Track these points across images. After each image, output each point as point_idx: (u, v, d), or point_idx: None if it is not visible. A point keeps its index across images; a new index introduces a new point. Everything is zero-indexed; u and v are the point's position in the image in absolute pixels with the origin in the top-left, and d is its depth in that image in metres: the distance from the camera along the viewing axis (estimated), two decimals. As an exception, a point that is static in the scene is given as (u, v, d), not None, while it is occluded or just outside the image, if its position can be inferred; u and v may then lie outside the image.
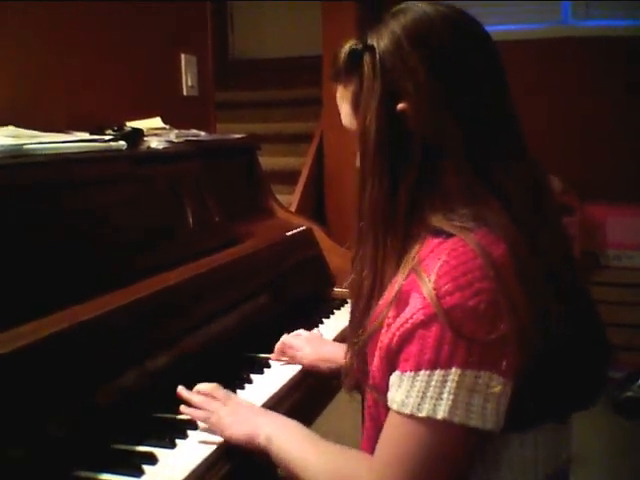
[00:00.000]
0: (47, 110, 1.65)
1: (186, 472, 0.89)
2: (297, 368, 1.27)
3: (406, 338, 0.77)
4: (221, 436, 0.98)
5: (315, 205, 3.45)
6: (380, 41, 0.84)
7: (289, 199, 3.23)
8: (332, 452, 0.90)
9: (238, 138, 2.01)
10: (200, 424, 1.01)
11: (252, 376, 1.21)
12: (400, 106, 0.83)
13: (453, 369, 0.74)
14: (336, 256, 1.81)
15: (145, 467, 0.90)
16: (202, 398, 1.02)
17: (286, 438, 0.93)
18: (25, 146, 1.18)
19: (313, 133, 3.59)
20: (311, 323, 1.51)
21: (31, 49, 1.63)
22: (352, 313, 0.94)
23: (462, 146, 0.82)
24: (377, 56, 0.84)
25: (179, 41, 2.25)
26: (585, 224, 3.18)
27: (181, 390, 1.04)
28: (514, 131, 0.87)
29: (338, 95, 0.92)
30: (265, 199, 1.96)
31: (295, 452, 0.91)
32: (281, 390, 1.18)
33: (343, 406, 1.20)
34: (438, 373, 0.75)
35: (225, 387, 1.14)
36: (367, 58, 0.85)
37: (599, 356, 0.89)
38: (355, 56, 0.87)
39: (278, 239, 1.68)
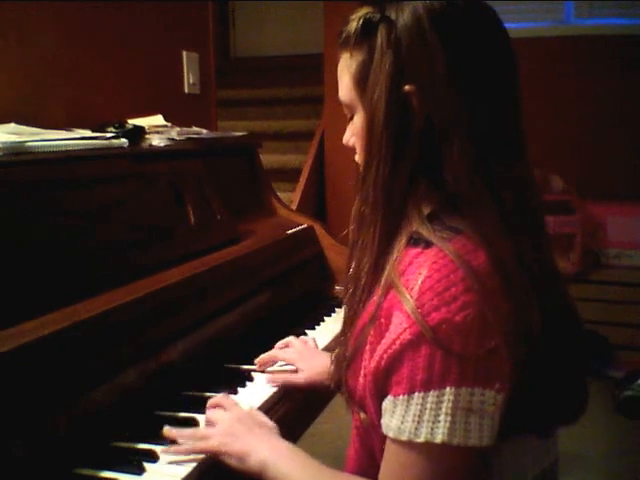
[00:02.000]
0: (49, 107, 1.65)
1: (188, 469, 0.89)
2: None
3: (395, 360, 0.74)
4: (212, 450, 0.92)
5: (316, 203, 3.45)
6: (400, 16, 0.79)
7: (290, 197, 3.23)
8: None
9: (239, 136, 2.01)
10: (202, 422, 1.01)
11: (253, 374, 1.21)
12: (407, 88, 0.79)
13: (447, 388, 0.72)
14: (337, 254, 1.81)
15: (146, 465, 0.90)
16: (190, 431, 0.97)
17: (284, 467, 0.87)
18: (27, 143, 1.18)
19: (314, 131, 3.60)
20: (312, 321, 1.51)
21: (33, 47, 1.63)
22: (348, 306, 0.90)
23: (467, 136, 0.79)
24: (394, 30, 0.79)
25: (181, 39, 2.25)
26: (585, 223, 3.18)
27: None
28: (519, 131, 0.84)
29: (341, 63, 0.87)
30: (266, 197, 1.96)
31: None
32: (283, 387, 1.18)
33: (343, 404, 1.20)
34: (432, 394, 0.73)
35: (227, 384, 1.14)
36: (383, 30, 0.80)
37: (580, 366, 0.87)
38: (369, 25, 0.82)
39: (279, 237, 1.68)
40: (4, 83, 1.55)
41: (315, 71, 3.44)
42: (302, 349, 1.24)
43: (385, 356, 0.75)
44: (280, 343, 1.27)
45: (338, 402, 1.35)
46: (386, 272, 0.80)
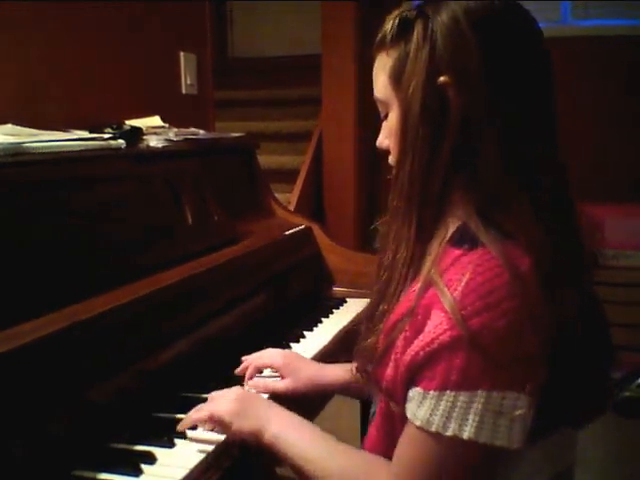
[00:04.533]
0: (46, 108, 1.65)
1: (184, 471, 0.89)
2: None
3: (431, 357, 0.75)
4: (226, 432, 0.96)
5: (314, 204, 3.45)
6: (437, 14, 0.81)
7: (288, 198, 3.23)
8: (344, 455, 0.89)
9: (237, 137, 2.01)
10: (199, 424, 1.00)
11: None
12: (442, 79, 0.79)
13: (479, 391, 0.73)
14: (335, 255, 1.82)
15: (143, 466, 0.90)
16: (205, 414, 0.99)
17: (294, 437, 0.91)
18: (24, 144, 1.18)
19: (312, 132, 3.59)
20: (310, 322, 1.51)
21: (30, 48, 1.62)
22: (380, 295, 0.88)
23: (501, 135, 0.79)
24: (430, 24, 0.80)
25: (178, 39, 2.25)
26: (583, 224, 3.18)
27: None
28: (553, 133, 0.85)
29: (377, 64, 0.88)
30: (264, 198, 1.96)
31: (304, 453, 0.89)
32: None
33: (340, 404, 1.20)
34: (464, 394, 0.73)
35: (225, 385, 1.14)
36: (419, 25, 0.82)
37: (606, 360, 0.89)
38: (406, 23, 0.83)
39: (277, 238, 1.68)
40: (1, 84, 1.55)
41: (313, 72, 3.43)
42: (286, 355, 1.22)
43: (422, 352, 0.75)
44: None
45: (335, 403, 1.35)
46: (425, 268, 0.80)
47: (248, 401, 0.99)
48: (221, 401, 0.99)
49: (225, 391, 1.02)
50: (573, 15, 3.56)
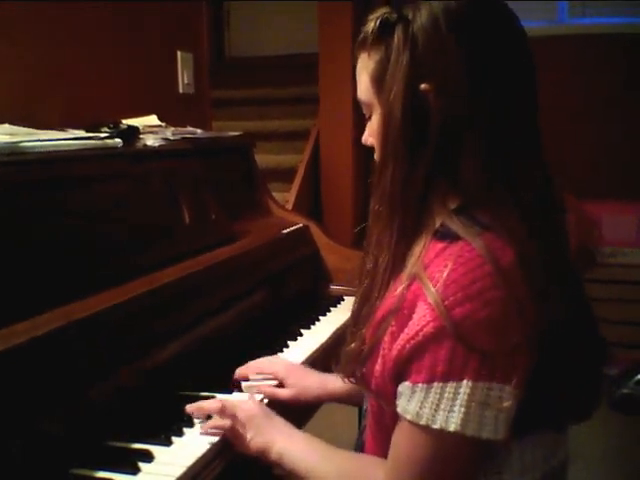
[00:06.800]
0: (43, 108, 1.65)
1: (182, 469, 0.89)
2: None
3: (417, 350, 0.76)
4: (238, 444, 0.97)
5: (311, 203, 3.45)
6: (417, 16, 0.80)
7: (285, 197, 3.23)
8: (342, 458, 0.91)
9: (234, 136, 2.01)
10: (196, 421, 1.01)
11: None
12: (423, 86, 0.80)
13: (464, 381, 0.74)
14: (332, 253, 1.82)
15: (141, 464, 0.90)
16: (218, 405, 1.00)
17: (297, 453, 0.93)
18: (21, 144, 1.18)
19: (309, 131, 3.59)
20: (307, 320, 1.51)
21: (26, 47, 1.62)
22: (363, 300, 0.90)
23: (482, 137, 0.80)
24: (411, 29, 0.80)
25: (175, 38, 2.25)
26: (581, 221, 3.19)
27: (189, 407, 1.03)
28: (535, 131, 0.85)
29: (359, 64, 0.89)
30: (261, 197, 1.96)
31: (305, 463, 0.92)
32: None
33: (338, 413, 1.20)
34: (450, 385, 0.74)
35: (222, 385, 1.14)
36: (399, 29, 0.81)
37: (595, 360, 0.88)
38: (387, 25, 0.83)
39: (275, 237, 1.68)
40: (-2, 83, 1.55)
41: (310, 71, 3.44)
42: (289, 365, 1.22)
43: (407, 346, 0.76)
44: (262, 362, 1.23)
45: (332, 413, 1.35)
46: (409, 265, 0.81)
47: (260, 417, 1.00)
48: (241, 414, 0.99)
49: (242, 403, 1.03)
50: (570, 13, 3.56)
